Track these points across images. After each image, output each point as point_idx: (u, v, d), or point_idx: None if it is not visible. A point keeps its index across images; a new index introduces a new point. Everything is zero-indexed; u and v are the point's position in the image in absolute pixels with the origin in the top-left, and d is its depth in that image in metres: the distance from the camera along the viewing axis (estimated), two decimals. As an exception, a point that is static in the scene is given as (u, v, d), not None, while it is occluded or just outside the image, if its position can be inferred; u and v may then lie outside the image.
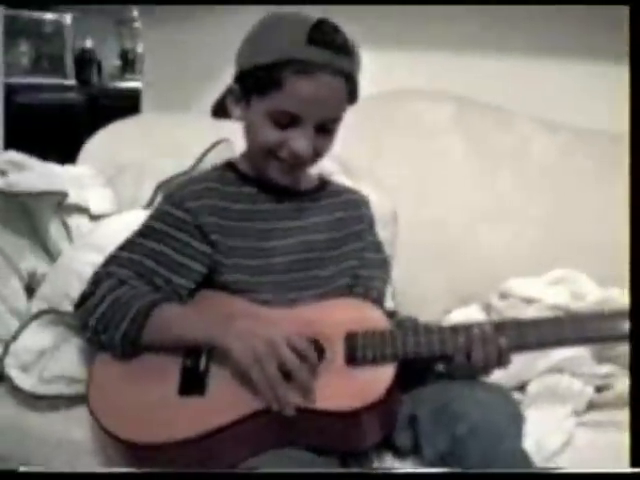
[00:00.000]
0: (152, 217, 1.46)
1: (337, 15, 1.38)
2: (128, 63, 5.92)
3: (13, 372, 1.42)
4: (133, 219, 1.54)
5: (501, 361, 1.27)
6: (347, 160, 1.87)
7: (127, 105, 3.04)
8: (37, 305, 1.53)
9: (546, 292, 1.76)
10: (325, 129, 1.38)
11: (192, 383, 1.26)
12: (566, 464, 1.39)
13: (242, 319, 1.29)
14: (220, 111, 1.49)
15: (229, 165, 1.54)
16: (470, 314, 1.82)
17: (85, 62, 5.56)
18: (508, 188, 2.03)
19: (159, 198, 1.73)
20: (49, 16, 5.35)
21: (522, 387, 1.62)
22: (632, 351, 1.15)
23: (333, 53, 1.32)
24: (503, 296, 1.83)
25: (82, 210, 1.74)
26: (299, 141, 1.36)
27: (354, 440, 1.27)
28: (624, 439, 1.20)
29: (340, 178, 1.73)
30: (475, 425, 1.20)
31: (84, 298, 1.36)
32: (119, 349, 1.30)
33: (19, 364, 1.43)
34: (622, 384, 1.60)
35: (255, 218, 1.46)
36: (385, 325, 1.33)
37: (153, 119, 2.38)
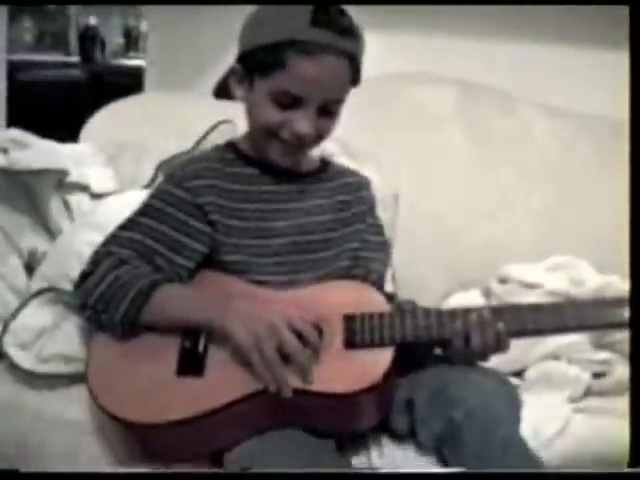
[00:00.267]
0: (153, 196, 1.45)
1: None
2: (131, 41, 5.91)
3: (12, 350, 1.42)
4: (134, 198, 1.54)
5: (499, 346, 1.27)
6: (349, 142, 1.87)
7: (130, 83, 3.04)
8: (37, 284, 1.53)
9: (546, 278, 1.76)
10: (327, 111, 1.38)
11: (190, 364, 1.27)
12: (563, 450, 1.39)
13: (241, 301, 1.29)
14: (222, 92, 1.50)
15: (230, 145, 1.53)
16: (469, 299, 1.82)
17: (88, 39, 5.54)
18: (510, 175, 2.03)
19: (160, 177, 1.73)
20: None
21: (520, 373, 1.63)
22: (632, 350, 1.15)
23: (337, 34, 1.31)
24: (502, 281, 1.83)
25: (83, 188, 1.74)
26: (301, 122, 1.35)
27: (351, 422, 1.28)
28: (621, 425, 1.21)
29: (342, 160, 1.73)
30: (472, 410, 1.21)
31: (84, 277, 1.36)
32: (119, 328, 1.30)
33: (18, 342, 1.43)
34: (619, 371, 1.60)
35: (256, 199, 1.46)
36: (384, 308, 1.33)
37: (155, 98, 2.38)
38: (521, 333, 1.30)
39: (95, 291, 1.31)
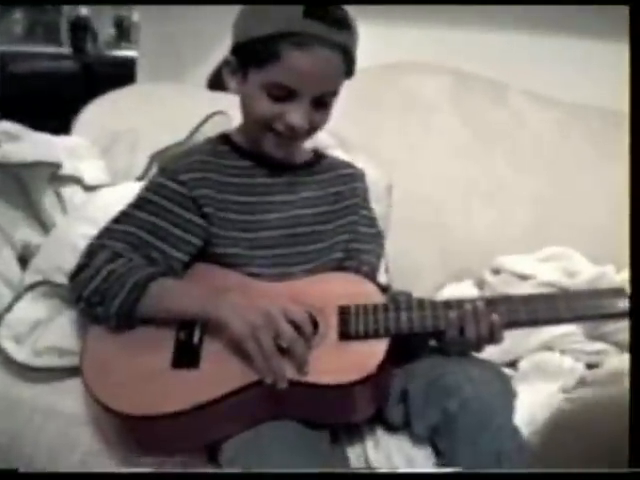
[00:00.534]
0: (146, 189, 1.45)
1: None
2: (123, 31, 5.86)
3: (6, 343, 1.41)
4: (127, 191, 1.54)
5: (494, 337, 1.28)
6: (342, 134, 1.87)
7: (122, 74, 3.01)
8: (31, 276, 1.52)
9: (539, 269, 1.77)
10: (321, 103, 1.38)
11: (186, 356, 1.27)
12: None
13: (236, 292, 1.29)
14: (216, 83, 1.49)
15: (224, 137, 1.53)
16: (463, 290, 1.83)
17: (80, 30, 5.50)
18: (502, 164, 2.03)
19: (153, 169, 1.73)
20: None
21: (513, 363, 1.64)
22: (632, 351, 1.15)
23: (330, 27, 1.31)
24: (496, 272, 1.84)
25: (76, 181, 1.73)
26: (295, 114, 1.35)
27: (346, 414, 1.28)
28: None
29: (335, 152, 1.73)
30: (466, 400, 1.21)
31: (79, 270, 1.35)
32: (114, 321, 1.30)
33: (12, 335, 1.42)
34: (613, 361, 1.61)
35: (249, 191, 1.46)
36: (379, 299, 1.33)
37: (148, 90, 2.36)
38: (515, 324, 1.30)
39: (90, 284, 1.31)
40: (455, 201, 2.01)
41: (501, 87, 2.12)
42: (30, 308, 1.46)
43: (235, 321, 1.22)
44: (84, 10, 5.54)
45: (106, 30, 5.82)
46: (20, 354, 1.41)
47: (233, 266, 1.40)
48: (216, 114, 1.82)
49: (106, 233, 1.39)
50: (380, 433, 1.33)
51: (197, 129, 1.80)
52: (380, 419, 1.33)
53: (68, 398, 1.36)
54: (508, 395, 1.27)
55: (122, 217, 1.41)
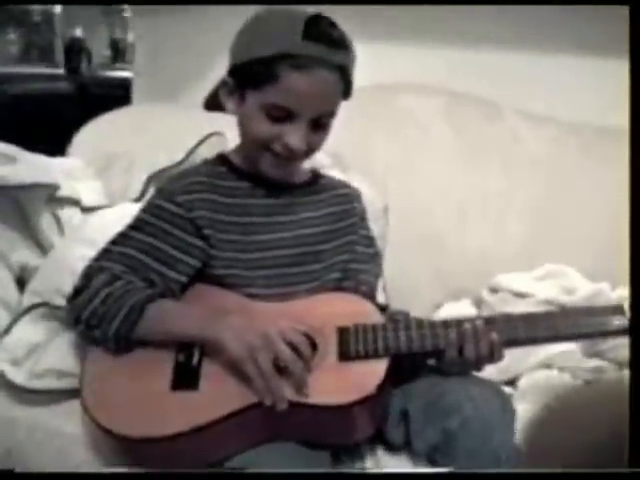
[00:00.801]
0: (144, 211, 1.45)
1: (329, 9, 1.38)
2: (118, 52, 5.89)
3: (4, 366, 1.41)
4: (125, 212, 1.54)
5: (493, 356, 1.28)
6: (339, 154, 1.87)
7: (118, 95, 3.03)
8: (28, 299, 1.52)
9: (536, 287, 1.77)
10: (319, 124, 1.38)
11: (185, 378, 1.26)
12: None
13: (235, 314, 1.29)
14: (213, 104, 1.49)
15: (222, 158, 1.53)
16: (461, 309, 1.83)
17: (75, 51, 5.52)
18: (497, 182, 2.03)
19: (150, 190, 1.73)
20: (38, 5, 5.31)
21: (512, 382, 1.63)
22: (632, 352, 1.15)
23: (329, 48, 1.31)
24: (493, 290, 1.84)
25: (74, 202, 1.73)
26: (293, 136, 1.35)
27: (346, 434, 1.28)
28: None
29: (332, 171, 1.73)
30: (466, 419, 1.21)
31: (77, 292, 1.35)
32: (112, 344, 1.29)
33: (10, 358, 1.42)
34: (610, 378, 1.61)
35: (248, 212, 1.46)
36: (377, 319, 1.33)
37: (144, 111, 2.37)
38: (514, 343, 1.30)
39: (88, 306, 1.31)
40: (451, 219, 2.01)
41: (495, 106, 2.13)
42: (28, 330, 1.46)
43: (233, 343, 1.22)
44: (79, 31, 5.57)
45: (101, 51, 5.85)
46: (18, 377, 1.41)
47: (233, 287, 1.40)
48: (213, 135, 1.83)
49: (104, 255, 1.39)
50: (380, 453, 1.33)
51: (194, 150, 1.80)
52: (380, 439, 1.33)
53: (67, 420, 1.36)
54: (508, 414, 1.27)
55: (120, 239, 1.41)
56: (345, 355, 1.28)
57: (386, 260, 1.75)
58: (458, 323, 1.29)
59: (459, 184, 2.04)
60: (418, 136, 2.10)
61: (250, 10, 1.40)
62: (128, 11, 5.23)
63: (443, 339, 1.28)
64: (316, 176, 1.59)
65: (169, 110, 2.31)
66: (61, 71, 5.34)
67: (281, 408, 1.19)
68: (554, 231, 1.97)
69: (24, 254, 1.63)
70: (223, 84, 1.43)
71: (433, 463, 1.28)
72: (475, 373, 1.33)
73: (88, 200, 1.76)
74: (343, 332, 1.30)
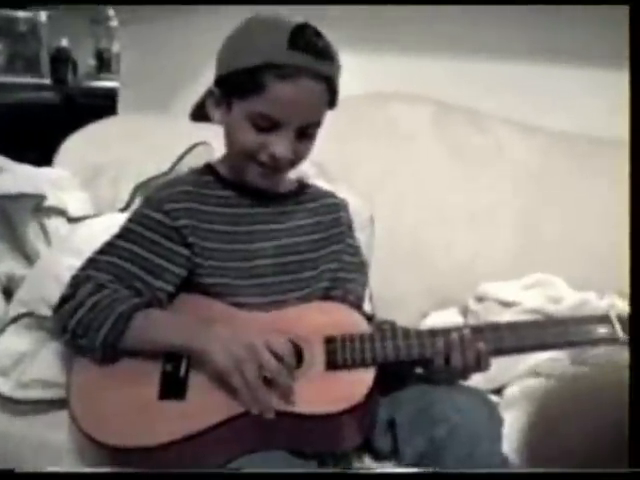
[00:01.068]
0: (131, 220, 1.45)
1: (315, 18, 1.38)
2: (104, 62, 5.87)
3: (-10, 377, 1.41)
4: (112, 222, 1.54)
5: (480, 365, 1.28)
6: (324, 163, 1.88)
7: (103, 105, 3.02)
8: (15, 308, 1.52)
9: (523, 296, 1.77)
10: (305, 133, 1.38)
11: (172, 388, 1.26)
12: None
13: (221, 324, 1.29)
14: (199, 114, 1.49)
15: (208, 168, 1.53)
16: (447, 317, 1.83)
17: (60, 61, 5.50)
18: (485, 191, 2.04)
19: (137, 200, 1.73)
20: (23, 14, 5.30)
21: (499, 390, 1.64)
22: (632, 353, 1.15)
23: (314, 57, 1.32)
24: (480, 299, 1.85)
25: (60, 212, 1.73)
26: (279, 145, 1.36)
27: (333, 443, 1.28)
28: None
29: (317, 181, 1.73)
30: (454, 428, 1.22)
31: (63, 301, 1.35)
32: (99, 353, 1.29)
33: (-3, 368, 1.42)
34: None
35: (234, 221, 1.46)
36: (364, 329, 1.34)
37: (129, 121, 2.37)
38: (501, 351, 1.31)
39: (74, 315, 1.31)
40: (438, 229, 2.01)
41: (483, 116, 2.13)
42: (15, 340, 1.46)
43: (219, 355, 1.22)
44: (65, 41, 5.55)
45: (87, 61, 5.83)
46: (5, 387, 1.41)
47: (220, 296, 1.39)
48: (199, 145, 1.83)
49: (90, 264, 1.39)
50: (368, 461, 1.33)
51: (180, 160, 1.81)
52: (368, 447, 1.33)
53: (55, 430, 1.35)
54: (495, 422, 1.27)
55: (106, 248, 1.41)
56: (332, 364, 1.28)
57: (372, 269, 1.75)
58: (445, 332, 1.30)
59: (446, 194, 2.05)
60: (405, 146, 2.11)
61: (236, 20, 1.40)
62: (114, 21, 5.23)
63: (430, 348, 1.29)
64: (302, 186, 1.59)
65: (155, 120, 2.31)
66: (47, 81, 5.32)
67: (268, 417, 1.19)
68: (542, 240, 1.97)
69: (10, 264, 1.63)
70: (209, 94, 1.43)
71: (420, 471, 1.28)
72: (462, 382, 1.33)
73: (74, 210, 1.76)
74: (330, 341, 1.30)
